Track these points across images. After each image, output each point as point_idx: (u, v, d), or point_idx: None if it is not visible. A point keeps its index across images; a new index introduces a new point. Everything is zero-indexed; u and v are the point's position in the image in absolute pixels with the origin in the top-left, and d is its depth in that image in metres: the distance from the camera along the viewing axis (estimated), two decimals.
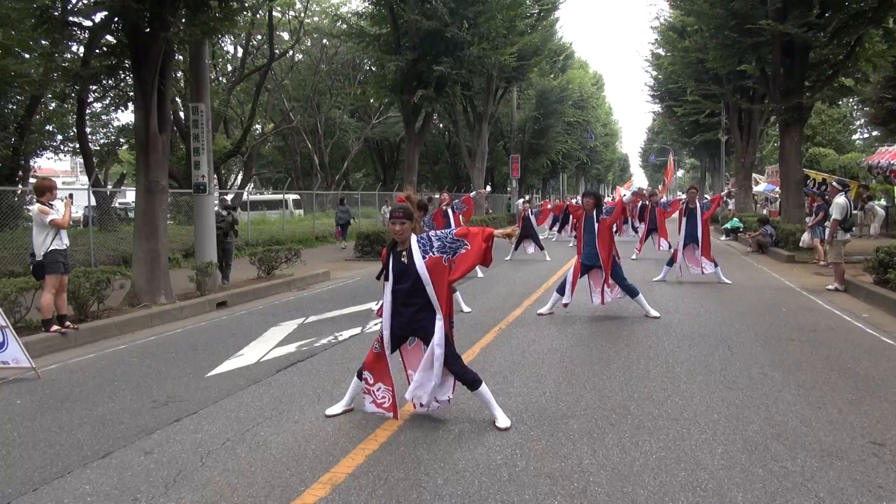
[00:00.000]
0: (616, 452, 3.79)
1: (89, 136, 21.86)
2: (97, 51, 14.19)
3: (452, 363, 4.21)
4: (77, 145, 20.76)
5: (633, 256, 14.91)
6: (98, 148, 25.10)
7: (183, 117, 20.14)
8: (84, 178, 36.61)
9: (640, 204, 16.82)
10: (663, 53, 31.55)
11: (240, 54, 29.04)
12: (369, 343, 4.81)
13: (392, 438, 4.09)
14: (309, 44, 36.52)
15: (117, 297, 9.03)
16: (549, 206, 19.14)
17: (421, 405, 4.27)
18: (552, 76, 39.85)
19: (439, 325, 4.14)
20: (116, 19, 9.32)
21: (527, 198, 32.93)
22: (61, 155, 23.90)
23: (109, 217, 18.33)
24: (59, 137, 21.58)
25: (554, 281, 11.25)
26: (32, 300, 7.52)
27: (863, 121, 35.19)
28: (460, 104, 31.45)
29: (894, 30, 15.65)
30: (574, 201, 10.96)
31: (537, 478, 3.47)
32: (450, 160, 43.78)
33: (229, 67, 30.07)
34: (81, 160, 21.98)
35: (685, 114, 32.01)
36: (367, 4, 23.03)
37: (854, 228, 13.37)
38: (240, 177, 36.01)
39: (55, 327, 7.09)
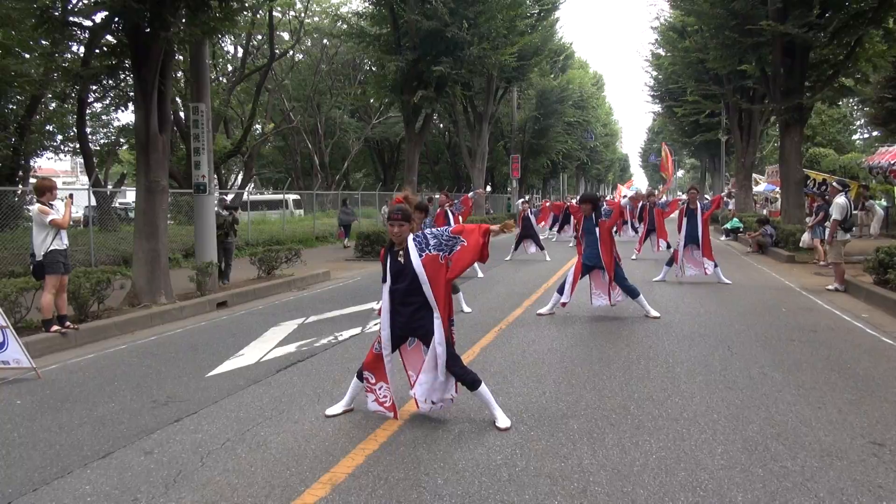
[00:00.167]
0: (616, 452, 3.79)
1: (89, 136, 21.85)
2: (97, 51, 14.19)
3: (452, 364, 4.21)
4: (77, 145, 20.76)
5: (633, 257, 14.92)
6: (98, 148, 25.08)
7: (183, 117, 20.14)
8: (84, 178, 36.62)
9: (639, 204, 16.81)
10: (663, 53, 31.55)
11: (240, 54, 29.04)
12: (369, 343, 4.81)
13: (392, 438, 4.09)
14: (309, 44, 36.53)
15: (117, 298, 9.03)
16: (547, 205, 19.15)
17: (433, 403, 4.27)
18: (552, 76, 39.86)
19: (438, 323, 4.13)
20: (117, 19, 9.32)
21: (526, 198, 32.96)
22: (61, 155, 23.90)
23: (109, 217, 18.33)
24: (60, 137, 21.58)
25: (554, 281, 11.25)
26: (32, 300, 7.52)
27: (863, 121, 35.19)
28: (460, 104, 31.45)
29: (894, 30, 15.64)
30: (574, 201, 10.96)
31: (537, 478, 3.48)
32: (450, 160, 43.77)
33: (229, 67, 30.07)
34: (82, 160, 21.98)
35: (685, 114, 32.00)
36: (367, 4, 23.04)
37: (854, 229, 13.37)
38: (240, 177, 36.01)
39: (55, 327, 7.09)
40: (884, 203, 22.25)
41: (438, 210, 11.11)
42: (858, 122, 37.58)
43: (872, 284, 9.52)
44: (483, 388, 4.27)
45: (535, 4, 29.41)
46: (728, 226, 22.27)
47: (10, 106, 18.20)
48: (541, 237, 16.30)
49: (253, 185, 41.14)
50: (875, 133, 31.66)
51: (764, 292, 10.09)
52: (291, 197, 32.47)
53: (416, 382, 4.29)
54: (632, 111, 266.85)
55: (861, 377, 5.32)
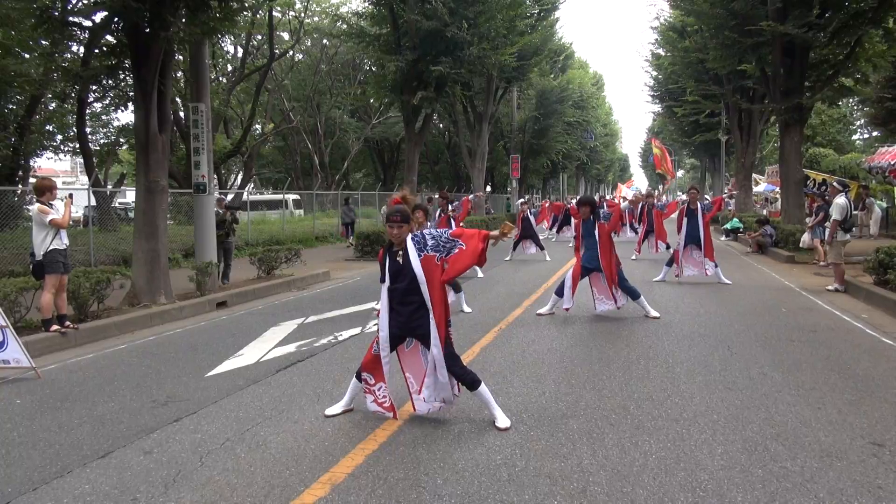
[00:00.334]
0: (616, 452, 3.79)
1: (89, 136, 21.85)
2: (97, 51, 14.20)
3: (452, 364, 4.21)
4: (77, 145, 20.77)
5: (633, 257, 14.92)
6: (98, 148, 25.07)
7: (183, 117, 20.14)
8: (84, 178, 36.62)
9: (639, 205, 16.82)
10: (663, 53, 31.55)
11: (240, 54, 29.04)
12: (369, 343, 4.80)
13: (391, 438, 4.09)
14: (309, 44, 36.51)
15: (117, 297, 9.03)
16: (546, 206, 19.15)
17: (443, 402, 4.29)
18: (552, 76, 39.83)
19: (433, 324, 4.14)
20: (116, 19, 9.32)
21: (526, 198, 32.92)
22: (61, 155, 23.91)
23: (109, 217, 18.33)
24: (59, 137, 21.58)
25: (554, 281, 11.25)
26: (32, 300, 7.52)
27: (863, 121, 35.20)
28: (460, 104, 31.42)
29: (894, 30, 15.64)
30: (574, 201, 10.97)
31: (537, 478, 3.47)
32: (450, 160, 43.76)
33: (229, 67, 30.07)
34: (81, 160, 21.99)
35: (685, 114, 32.00)
36: (367, 4, 23.02)
37: (854, 229, 13.37)
38: (240, 177, 36.02)
39: (55, 327, 7.09)
40: (883, 204, 22.26)
41: (442, 216, 11.09)
42: (858, 122, 37.60)
43: (872, 285, 9.52)
44: (483, 387, 4.27)
45: (535, 4, 29.39)
46: (728, 226, 22.27)
47: (10, 106, 18.21)
48: (541, 237, 16.30)
49: (253, 185, 41.13)
50: (875, 133, 31.68)
51: (764, 292, 10.09)
52: (291, 197, 32.47)
53: (423, 385, 4.29)
54: (632, 111, 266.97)
55: (861, 377, 5.32)
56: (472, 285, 10.94)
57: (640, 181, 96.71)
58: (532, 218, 15.90)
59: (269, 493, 3.36)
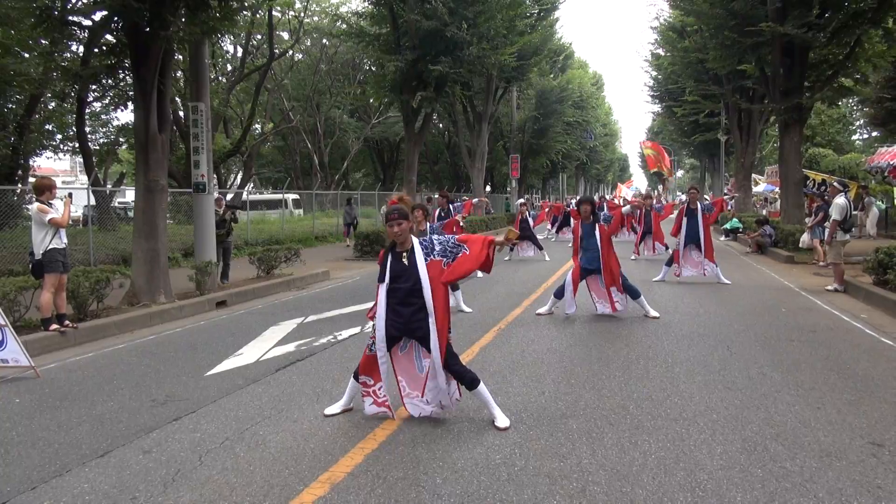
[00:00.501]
0: (615, 452, 3.79)
1: (89, 136, 21.87)
2: (97, 50, 14.19)
3: (452, 363, 4.22)
4: (76, 144, 20.78)
5: (632, 257, 14.93)
6: (97, 147, 25.10)
7: (183, 117, 20.14)
8: (83, 178, 36.63)
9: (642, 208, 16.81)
10: (663, 53, 31.57)
11: (239, 54, 29.06)
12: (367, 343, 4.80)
13: (391, 438, 4.09)
14: (309, 43, 36.52)
15: (117, 297, 9.02)
16: (546, 210, 19.18)
17: (441, 407, 4.30)
18: (552, 76, 39.85)
19: (433, 328, 4.14)
20: (116, 18, 9.31)
21: (526, 198, 32.93)
22: (61, 154, 23.95)
23: (109, 216, 18.33)
24: (59, 137, 21.59)
25: (553, 281, 11.25)
26: (32, 299, 7.51)
27: (862, 121, 35.23)
28: (460, 104, 31.43)
29: (894, 30, 15.65)
30: (573, 202, 10.96)
31: (536, 477, 3.47)
32: (449, 160, 43.77)
33: (229, 67, 30.09)
34: (81, 159, 22.02)
35: (685, 114, 32.01)
36: (366, 4, 23.03)
37: (854, 229, 13.38)
38: (239, 176, 36.02)
39: (54, 326, 7.09)
40: (882, 205, 22.27)
41: (448, 218, 11.09)
42: (858, 123, 37.63)
43: (871, 285, 9.53)
44: (482, 387, 4.27)
45: (535, 4, 29.40)
46: (727, 226, 22.28)
47: (10, 105, 18.21)
48: (540, 238, 16.31)
49: (252, 185, 41.12)
50: (874, 133, 31.70)
51: (763, 292, 10.09)
52: (291, 196, 32.45)
53: (425, 388, 4.30)
54: (631, 111, 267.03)
55: (860, 377, 5.32)
56: (471, 285, 10.94)
57: (639, 181, 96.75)
58: (531, 220, 15.94)
59: (269, 492, 3.36)
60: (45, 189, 7.03)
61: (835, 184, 12.88)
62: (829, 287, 10.20)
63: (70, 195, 7.80)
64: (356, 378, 4.45)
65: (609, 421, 4.31)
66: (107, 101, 22.86)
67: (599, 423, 4.27)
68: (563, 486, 3.36)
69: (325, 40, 34.65)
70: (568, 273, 8.10)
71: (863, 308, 8.75)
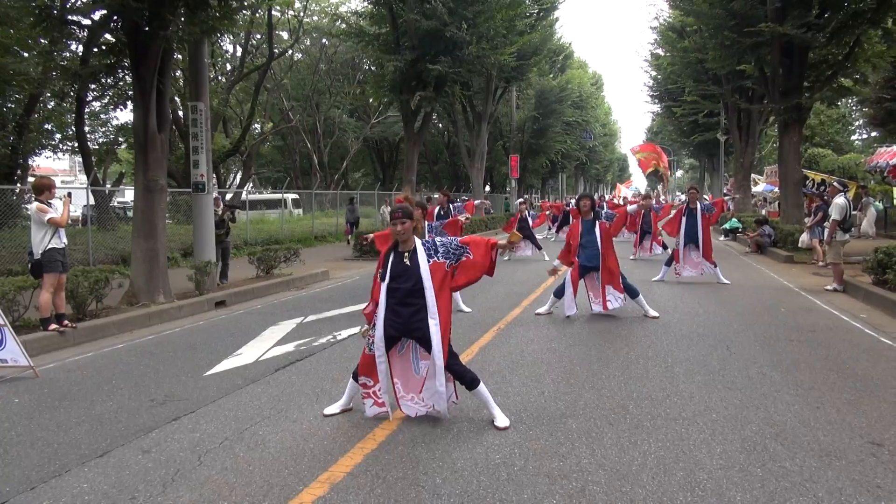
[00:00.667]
0: (614, 452, 3.79)
1: (88, 135, 21.83)
2: (96, 49, 14.18)
3: (452, 363, 4.22)
4: (76, 144, 20.75)
5: (632, 257, 14.94)
6: (97, 147, 25.05)
7: (182, 116, 20.12)
8: (83, 177, 36.59)
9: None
10: (662, 54, 31.57)
11: (239, 53, 29.03)
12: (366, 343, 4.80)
13: (390, 437, 4.08)
14: (308, 43, 36.49)
15: (116, 296, 9.02)
16: (546, 213, 19.19)
17: (437, 410, 4.29)
18: (551, 76, 39.85)
19: (435, 329, 4.13)
20: (115, 18, 9.31)
21: (525, 198, 32.91)
22: (60, 154, 23.90)
23: (108, 216, 18.32)
24: (58, 136, 21.54)
25: (553, 280, 11.24)
26: (31, 299, 7.51)
27: (861, 121, 35.25)
28: (459, 104, 31.42)
29: (893, 30, 15.66)
30: (573, 201, 10.93)
31: (536, 477, 3.47)
32: (449, 160, 43.75)
33: (228, 67, 30.07)
34: (80, 159, 22.00)
35: (684, 114, 32.04)
36: (366, 4, 23.02)
37: (853, 229, 13.40)
38: (239, 176, 36.00)
39: (53, 326, 7.08)
40: (880, 205, 22.29)
41: (449, 219, 11.08)
42: (857, 123, 37.65)
43: (871, 284, 9.53)
44: (481, 387, 4.27)
45: (535, 4, 29.38)
46: (727, 226, 22.28)
47: (9, 104, 18.17)
48: (539, 237, 16.32)
49: (251, 185, 41.10)
50: (874, 133, 31.71)
51: (762, 292, 10.09)
52: (290, 196, 32.43)
53: (423, 388, 4.29)
54: (631, 111, 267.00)
55: (859, 377, 5.32)
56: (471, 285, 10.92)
57: (638, 181, 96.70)
58: (530, 220, 15.95)
59: (268, 492, 3.35)
60: (44, 188, 7.03)
61: (835, 184, 12.89)
62: (829, 287, 10.21)
63: (69, 195, 7.78)
64: (355, 379, 4.45)
65: (608, 421, 4.31)
66: (106, 101, 22.83)
67: (599, 423, 4.26)
68: (562, 486, 3.36)
69: (324, 40, 34.63)
70: (567, 273, 8.11)
71: (862, 308, 8.76)
